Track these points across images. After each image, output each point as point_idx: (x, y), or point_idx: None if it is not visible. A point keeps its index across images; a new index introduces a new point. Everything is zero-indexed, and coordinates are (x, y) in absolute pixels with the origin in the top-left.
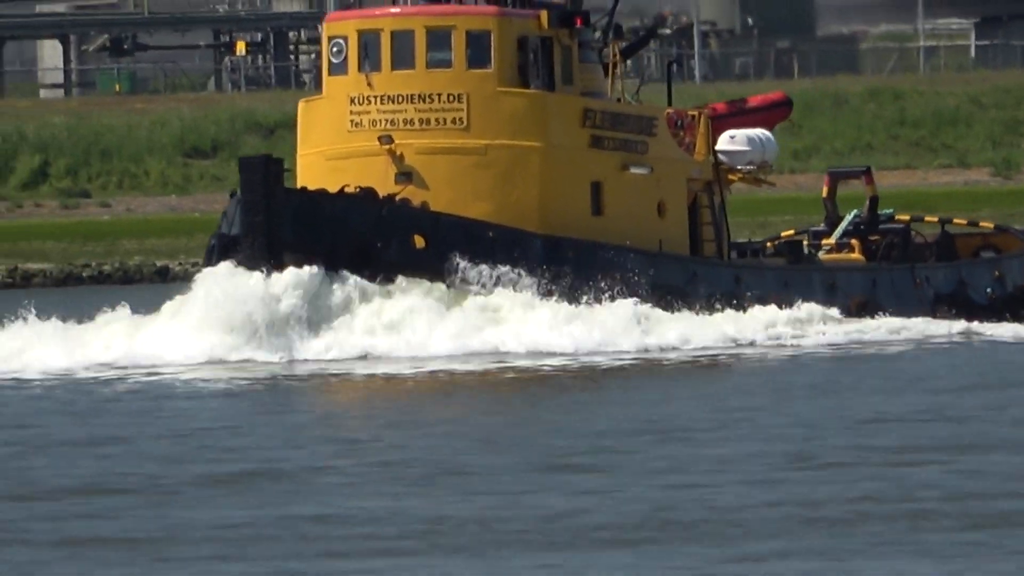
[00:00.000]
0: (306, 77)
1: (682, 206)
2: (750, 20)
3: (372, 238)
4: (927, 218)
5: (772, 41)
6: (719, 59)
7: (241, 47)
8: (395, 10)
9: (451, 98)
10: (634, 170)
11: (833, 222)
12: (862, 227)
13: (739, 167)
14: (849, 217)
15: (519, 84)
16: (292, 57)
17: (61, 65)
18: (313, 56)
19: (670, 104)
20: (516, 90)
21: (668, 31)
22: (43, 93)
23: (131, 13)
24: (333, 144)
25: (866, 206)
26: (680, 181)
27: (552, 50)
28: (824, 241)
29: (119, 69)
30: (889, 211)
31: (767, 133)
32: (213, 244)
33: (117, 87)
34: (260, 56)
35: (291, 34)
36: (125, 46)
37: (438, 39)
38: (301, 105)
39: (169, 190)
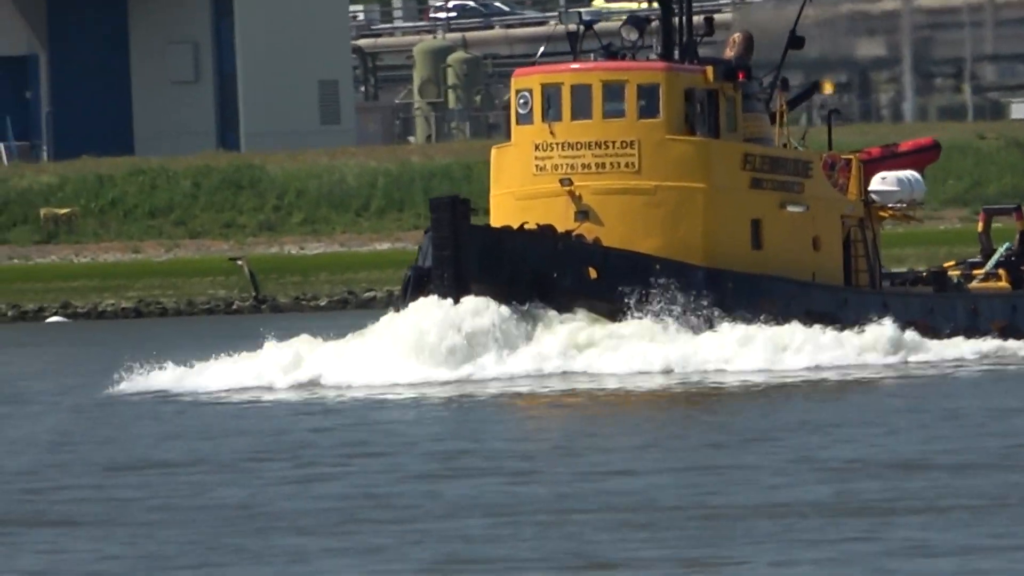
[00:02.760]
0: (884, 112)
1: (836, 241)
2: None
3: (549, 270)
4: None
5: None
6: None
7: (829, 87)
8: (575, 66)
9: (624, 144)
10: (791, 208)
11: (987, 254)
12: (1013, 258)
13: (890, 205)
14: (1001, 249)
15: (686, 132)
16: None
17: None
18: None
19: (831, 148)
20: (682, 137)
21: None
22: None
23: None
24: (521, 186)
25: (1016, 239)
26: (834, 218)
27: (717, 101)
28: (975, 271)
29: None
30: None
31: (916, 174)
32: (409, 276)
33: None
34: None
35: (871, 75)
36: None
37: (612, 92)
38: (494, 151)
39: None
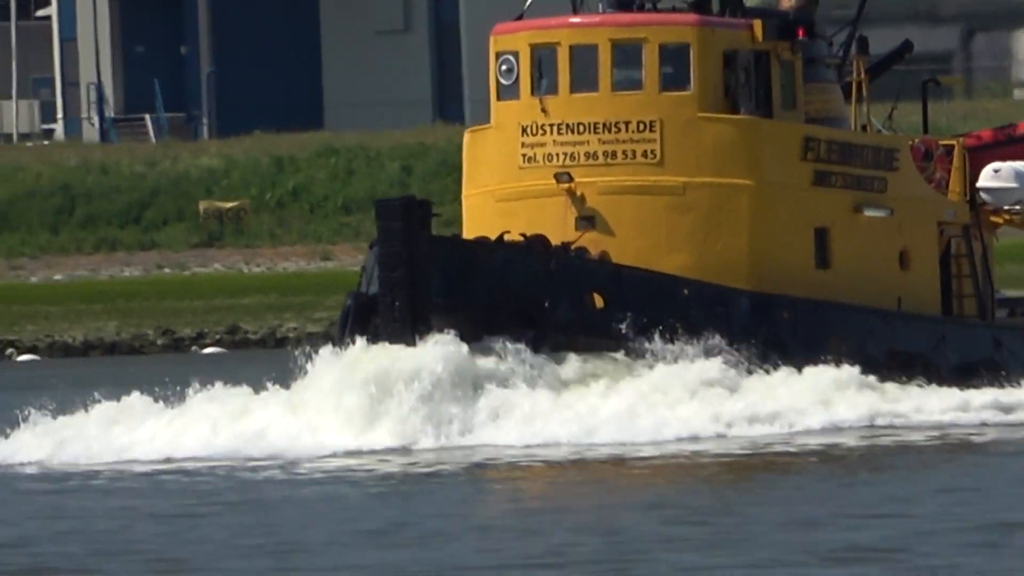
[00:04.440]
0: None
1: (931, 255)
2: None
3: (539, 297)
4: None
5: None
6: None
7: None
8: (575, 20)
9: (641, 126)
10: (869, 212)
11: None
12: None
13: (1005, 207)
14: None
15: (725, 109)
16: None
17: None
18: None
19: (926, 131)
20: (721, 116)
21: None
22: (1017, 94)
23: None
24: (502, 183)
25: None
26: (928, 225)
27: (769, 67)
28: None
29: None
30: None
31: None
32: (348, 305)
33: None
34: None
35: None
36: None
37: (626, 55)
38: (467, 136)
39: None
